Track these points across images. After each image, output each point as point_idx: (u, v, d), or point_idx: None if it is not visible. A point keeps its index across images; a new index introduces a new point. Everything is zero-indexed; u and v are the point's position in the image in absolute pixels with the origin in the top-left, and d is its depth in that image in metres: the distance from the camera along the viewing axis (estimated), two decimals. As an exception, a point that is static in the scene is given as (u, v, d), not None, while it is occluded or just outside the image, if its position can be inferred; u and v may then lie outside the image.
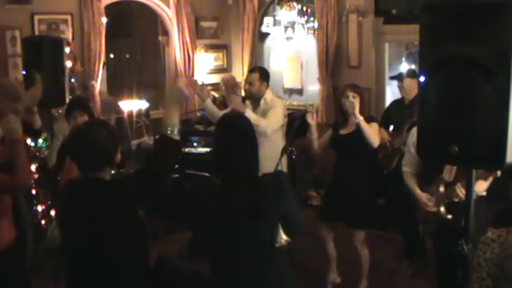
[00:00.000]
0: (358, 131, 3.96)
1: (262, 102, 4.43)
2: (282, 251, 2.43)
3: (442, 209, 3.21)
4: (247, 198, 2.31)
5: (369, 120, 4.06)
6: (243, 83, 7.03)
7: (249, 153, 2.41)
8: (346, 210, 4.03)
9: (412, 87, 4.61)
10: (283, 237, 2.41)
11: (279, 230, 2.40)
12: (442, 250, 3.43)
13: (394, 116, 5.01)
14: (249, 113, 4.08)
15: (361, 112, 3.94)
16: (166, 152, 2.53)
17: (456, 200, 3.16)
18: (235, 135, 2.42)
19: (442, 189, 3.21)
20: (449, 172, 3.17)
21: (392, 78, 5.13)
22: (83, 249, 2.33)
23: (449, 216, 3.17)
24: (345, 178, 4.11)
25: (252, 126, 2.53)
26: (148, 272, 2.49)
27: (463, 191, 3.06)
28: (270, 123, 4.19)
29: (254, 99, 4.48)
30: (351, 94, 3.99)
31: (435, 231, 3.36)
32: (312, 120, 4.03)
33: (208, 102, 4.42)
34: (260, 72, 4.51)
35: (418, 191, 3.38)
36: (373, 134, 3.94)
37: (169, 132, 2.47)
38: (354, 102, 3.90)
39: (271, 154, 3.91)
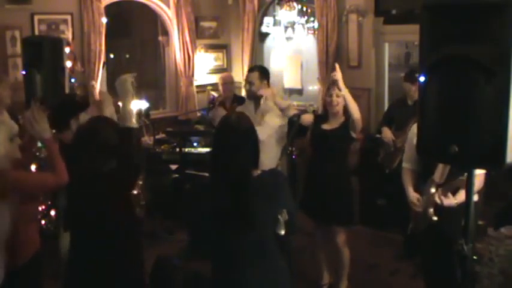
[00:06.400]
0: (342, 128, 4.03)
1: (262, 102, 4.43)
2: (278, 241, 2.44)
3: (431, 210, 3.21)
4: (236, 199, 2.31)
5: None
6: (243, 83, 7.04)
7: (247, 154, 2.39)
8: (324, 207, 4.10)
9: None
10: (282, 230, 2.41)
11: (281, 222, 2.39)
12: (428, 250, 3.48)
13: (397, 116, 4.99)
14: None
15: (360, 111, 4.01)
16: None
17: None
18: (234, 135, 2.40)
19: (433, 190, 3.22)
20: (440, 174, 3.18)
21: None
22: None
23: (435, 218, 3.19)
24: (321, 174, 4.15)
25: (254, 127, 2.52)
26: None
27: (443, 198, 3.10)
28: (264, 131, 4.13)
29: (255, 98, 4.47)
30: (334, 93, 4.03)
31: (424, 231, 3.38)
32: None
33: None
34: (260, 70, 4.52)
35: (410, 190, 3.44)
36: (356, 109, 3.99)
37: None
38: (337, 74, 3.96)
39: (266, 156, 3.89)
